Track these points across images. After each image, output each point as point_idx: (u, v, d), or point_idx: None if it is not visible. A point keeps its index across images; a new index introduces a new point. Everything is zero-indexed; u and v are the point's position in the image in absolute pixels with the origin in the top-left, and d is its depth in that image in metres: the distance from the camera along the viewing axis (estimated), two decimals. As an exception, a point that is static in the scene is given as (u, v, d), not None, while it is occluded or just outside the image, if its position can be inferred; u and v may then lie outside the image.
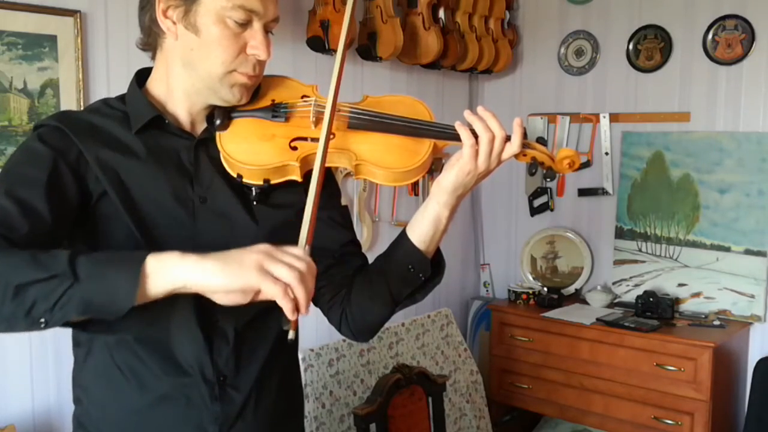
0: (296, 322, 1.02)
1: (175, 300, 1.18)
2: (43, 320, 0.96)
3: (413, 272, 1.25)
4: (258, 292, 0.99)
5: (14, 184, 1.09)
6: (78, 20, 2.25)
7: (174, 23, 1.18)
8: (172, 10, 1.17)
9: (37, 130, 1.17)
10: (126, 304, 0.96)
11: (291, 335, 1.04)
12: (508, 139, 1.19)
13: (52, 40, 2.21)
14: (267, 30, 1.21)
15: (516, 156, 1.20)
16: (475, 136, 1.18)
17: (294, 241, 1.32)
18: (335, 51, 2.87)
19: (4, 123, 2.14)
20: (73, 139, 1.15)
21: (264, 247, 1.01)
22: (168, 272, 0.97)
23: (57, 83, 2.23)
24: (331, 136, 1.20)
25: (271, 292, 0.98)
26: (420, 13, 3.13)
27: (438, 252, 1.28)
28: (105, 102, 1.26)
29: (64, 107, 2.24)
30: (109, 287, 0.96)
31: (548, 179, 3.70)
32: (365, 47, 3.05)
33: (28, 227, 1.05)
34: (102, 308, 0.96)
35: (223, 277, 0.97)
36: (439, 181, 1.21)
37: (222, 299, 1.00)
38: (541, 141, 1.23)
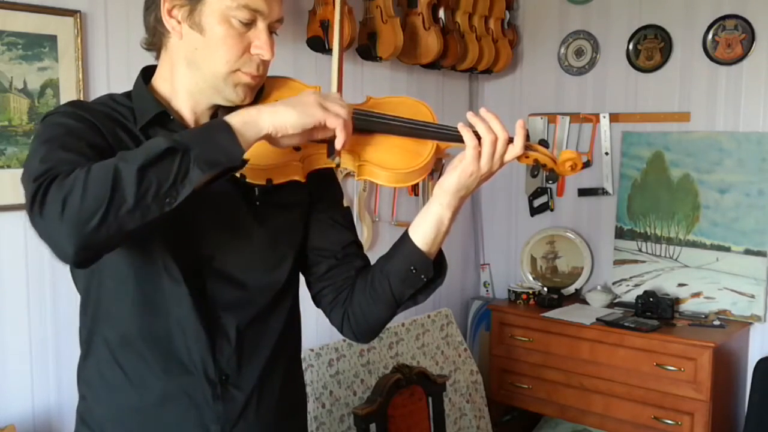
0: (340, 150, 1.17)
1: (178, 299, 1.19)
2: (169, 197, 1.00)
3: (415, 273, 1.25)
4: (321, 129, 1.13)
5: (67, 139, 1.09)
6: (78, 20, 2.25)
7: (179, 22, 1.18)
8: (177, 9, 1.18)
9: (50, 117, 1.16)
10: (239, 151, 1.05)
11: (338, 160, 1.20)
12: (510, 141, 1.19)
13: (52, 40, 2.21)
14: (271, 30, 1.22)
15: (518, 158, 1.21)
16: (478, 137, 1.18)
17: (294, 244, 1.33)
18: (333, 50, 2.88)
19: (4, 123, 2.14)
20: (91, 119, 1.15)
21: (312, 92, 1.15)
22: (251, 124, 1.07)
23: (57, 83, 2.23)
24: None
25: (334, 124, 1.12)
26: (420, 13, 3.13)
27: (440, 253, 1.29)
28: (111, 97, 1.26)
29: (64, 107, 2.24)
30: (216, 145, 1.04)
31: (550, 181, 3.71)
32: (365, 47, 3.05)
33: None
34: (220, 161, 1.03)
35: (298, 116, 1.10)
36: (442, 183, 1.21)
37: (288, 141, 1.12)
38: (543, 143, 1.24)
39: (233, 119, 1.06)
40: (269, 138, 1.10)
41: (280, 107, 1.10)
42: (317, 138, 1.15)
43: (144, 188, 0.97)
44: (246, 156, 1.20)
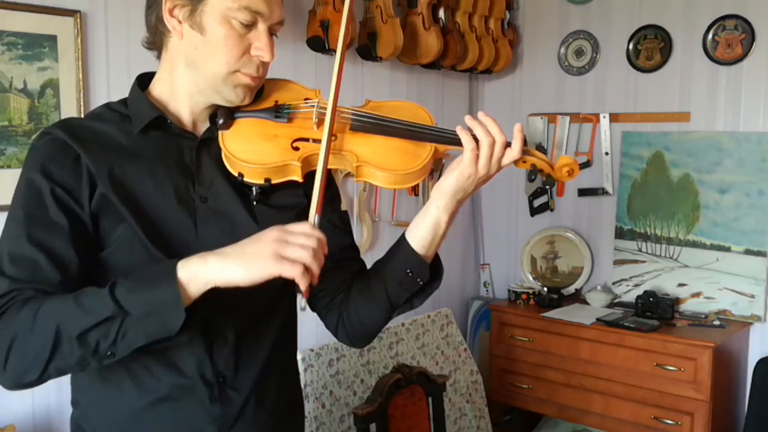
0: (308, 290, 1.09)
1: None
2: (110, 353, 1.06)
3: (412, 277, 1.25)
4: (277, 276, 1.06)
5: (35, 229, 1.12)
6: (78, 20, 2.25)
7: (180, 22, 1.19)
8: (178, 9, 1.18)
9: (44, 141, 1.18)
10: (178, 321, 1.04)
11: (303, 303, 1.11)
12: (508, 144, 1.20)
13: (52, 40, 2.21)
14: (272, 32, 1.22)
15: (515, 162, 1.21)
16: (476, 140, 1.18)
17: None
18: (335, 51, 2.88)
19: (4, 123, 2.14)
20: (74, 149, 1.16)
21: (276, 232, 1.07)
22: (198, 278, 1.05)
23: (57, 83, 2.23)
24: (333, 138, 1.21)
25: (289, 275, 1.05)
26: (420, 13, 3.13)
27: (436, 257, 1.29)
28: (107, 106, 1.27)
29: (64, 107, 2.24)
30: (157, 310, 1.04)
31: (547, 186, 3.71)
32: (365, 47, 3.05)
33: (60, 277, 1.11)
34: (159, 332, 1.05)
35: (246, 271, 1.04)
36: (440, 185, 1.21)
37: (245, 285, 1.07)
38: (540, 149, 1.25)
39: (182, 271, 1.04)
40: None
41: (231, 260, 1.05)
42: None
43: (83, 349, 1.05)
44: (246, 155, 1.21)
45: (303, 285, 1.06)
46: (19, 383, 1.09)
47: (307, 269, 1.05)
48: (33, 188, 1.14)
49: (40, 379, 1.08)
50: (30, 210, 1.14)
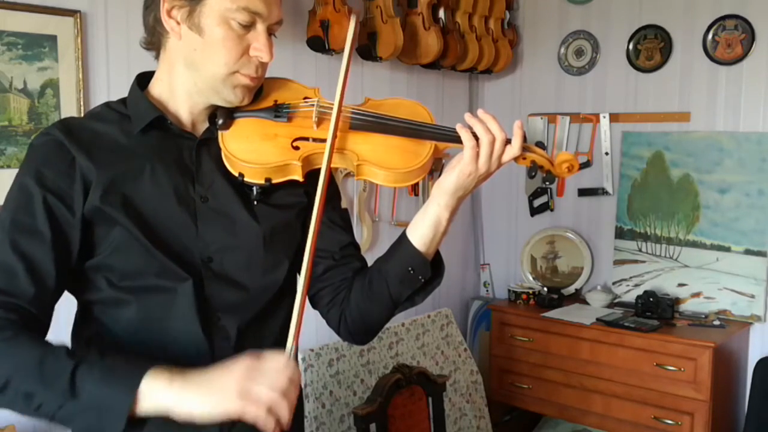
0: None
1: (176, 301, 1.19)
2: (50, 416, 1.06)
3: (413, 274, 1.25)
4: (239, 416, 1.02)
5: (19, 236, 1.12)
6: (78, 20, 2.25)
7: (178, 23, 1.18)
8: (176, 10, 1.18)
9: (41, 141, 1.17)
10: (115, 428, 1.02)
11: None
12: (508, 141, 1.20)
13: (52, 40, 2.21)
14: (270, 32, 1.22)
15: (516, 159, 1.21)
16: (476, 138, 1.18)
17: (292, 244, 1.33)
18: (335, 51, 2.89)
19: (4, 123, 2.14)
20: (71, 151, 1.16)
21: (245, 366, 1.03)
22: (156, 399, 1.02)
23: (57, 83, 2.23)
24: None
25: (251, 417, 1.00)
26: (420, 13, 3.13)
27: (437, 254, 1.29)
28: (107, 105, 1.26)
29: (64, 107, 2.24)
30: (102, 409, 1.02)
31: (547, 183, 3.69)
32: (365, 47, 3.05)
33: (35, 290, 1.11)
34: (94, 429, 1.04)
35: (206, 407, 1.01)
36: (440, 183, 1.21)
37: (202, 422, 1.03)
38: (540, 145, 1.25)
39: (145, 384, 1.02)
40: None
41: (192, 393, 1.02)
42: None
43: (25, 404, 1.05)
44: (246, 155, 1.21)
45: (267, 429, 1.00)
46: None
47: (271, 412, 1.00)
48: (24, 193, 1.14)
49: None
50: (18, 216, 1.13)
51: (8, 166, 2.15)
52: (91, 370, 1.04)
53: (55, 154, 1.16)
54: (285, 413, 1.02)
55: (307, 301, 1.40)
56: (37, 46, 2.18)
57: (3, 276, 1.10)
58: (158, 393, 1.02)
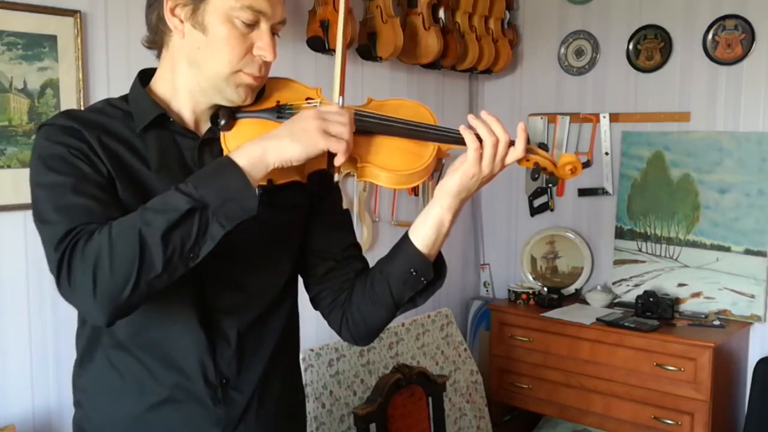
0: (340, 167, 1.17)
1: (177, 303, 1.19)
2: (192, 254, 1.06)
3: (415, 275, 1.25)
4: (325, 152, 1.13)
5: (76, 184, 1.11)
6: (78, 20, 2.25)
7: (181, 21, 1.18)
8: (180, 8, 1.17)
9: (44, 129, 1.17)
10: (254, 201, 1.08)
11: (337, 177, 1.19)
12: (512, 143, 1.19)
13: (52, 40, 2.21)
14: (274, 32, 1.21)
15: (519, 161, 1.21)
16: (480, 140, 1.18)
17: (293, 246, 1.33)
18: (335, 51, 2.88)
19: (4, 123, 2.13)
20: (84, 134, 1.15)
21: (313, 112, 1.15)
22: (262, 162, 1.10)
23: (57, 83, 2.23)
24: None
25: (337, 148, 1.13)
26: (420, 13, 3.12)
27: (439, 255, 1.28)
28: (108, 102, 1.25)
29: (64, 107, 2.23)
30: (233, 197, 1.07)
31: (551, 185, 3.71)
32: (365, 47, 3.04)
33: (113, 215, 1.09)
34: (237, 215, 1.08)
35: (303, 149, 1.11)
36: (443, 185, 1.21)
37: (294, 164, 1.13)
38: (543, 146, 1.25)
39: (241, 159, 1.09)
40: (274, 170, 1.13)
41: (284, 141, 1.11)
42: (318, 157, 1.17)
43: (170, 252, 1.04)
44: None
45: (343, 158, 1.14)
46: (114, 309, 1.04)
47: (347, 144, 1.13)
48: (53, 158, 1.13)
49: (132, 299, 1.04)
50: (61, 171, 1.12)
51: (8, 166, 2.15)
52: (192, 182, 1.07)
53: (67, 132, 1.15)
54: (352, 147, 1.16)
55: (308, 301, 1.40)
56: (37, 46, 2.18)
57: (79, 215, 1.08)
58: (258, 157, 1.10)
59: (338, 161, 1.14)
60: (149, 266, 1.03)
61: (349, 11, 2.85)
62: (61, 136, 1.14)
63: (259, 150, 1.10)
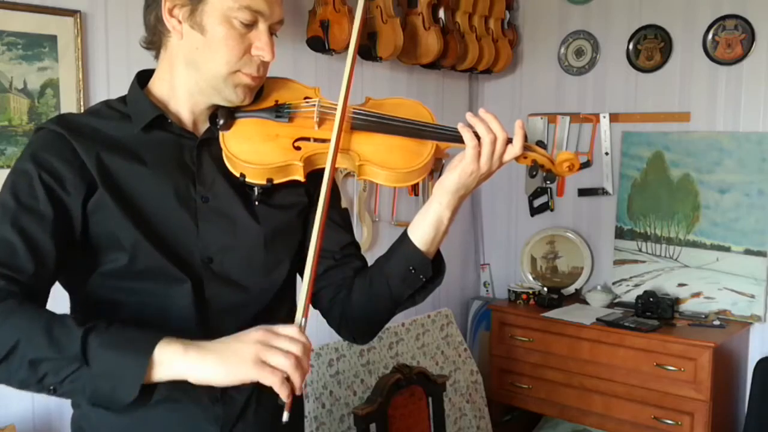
0: (291, 402, 1.03)
1: (176, 301, 1.19)
2: (52, 389, 1.02)
3: (414, 273, 1.25)
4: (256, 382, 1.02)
5: (20, 215, 1.10)
6: (78, 20, 2.25)
7: (179, 22, 1.18)
8: (178, 9, 1.17)
9: (39, 134, 1.17)
10: (128, 396, 1.00)
11: (285, 416, 1.04)
12: (509, 141, 1.20)
13: (52, 40, 2.21)
14: (272, 32, 1.22)
15: (517, 158, 1.21)
16: (478, 138, 1.18)
17: (292, 245, 1.33)
18: (335, 51, 2.89)
19: (4, 123, 2.14)
20: (72, 143, 1.15)
21: (260, 333, 1.03)
22: (171, 367, 1.01)
23: (57, 83, 2.23)
24: None
25: (268, 382, 1.01)
26: (420, 13, 3.13)
27: (438, 253, 1.29)
28: (106, 103, 1.26)
29: (64, 107, 2.24)
30: (115, 376, 1.00)
31: (548, 182, 3.70)
32: (365, 47, 3.04)
33: (34, 267, 1.09)
34: (104, 398, 1.01)
35: (222, 373, 1.01)
36: (442, 182, 1.21)
37: (212, 384, 1.03)
38: (541, 144, 1.25)
39: (158, 352, 1.00)
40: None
41: (209, 359, 1.01)
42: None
43: (30, 374, 1.01)
44: (248, 155, 1.21)
45: (283, 394, 1.01)
46: None
47: (288, 378, 1.01)
48: (23, 176, 1.13)
49: None
50: (19, 196, 1.12)
51: (8, 166, 2.15)
52: (102, 337, 1.01)
53: (55, 143, 1.15)
54: (298, 382, 1.03)
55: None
56: (37, 46, 2.18)
57: (4, 252, 1.08)
58: (173, 360, 1.01)
59: (281, 394, 1.01)
60: (5, 370, 1.02)
61: (348, 11, 2.85)
62: (45, 151, 1.14)
63: (180, 356, 1.01)
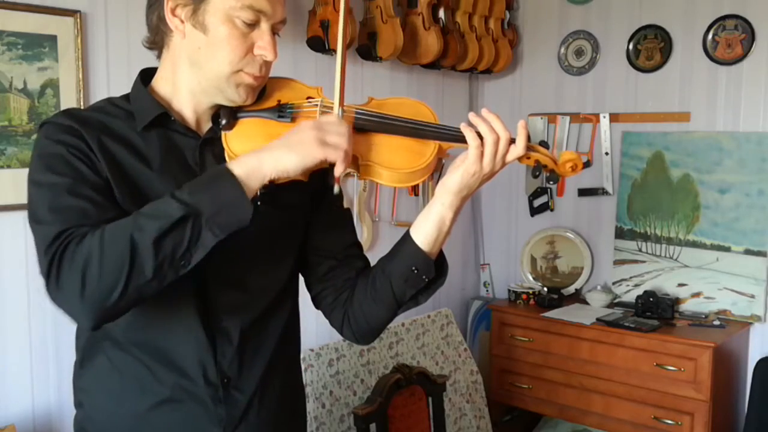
0: (339, 178, 1.16)
1: (178, 302, 1.19)
2: (183, 261, 1.06)
3: (417, 274, 1.25)
4: (322, 162, 1.12)
5: (73, 185, 1.11)
6: (78, 20, 2.25)
7: (182, 22, 1.18)
8: (180, 8, 1.17)
9: (45, 128, 1.17)
10: (248, 211, 1.08)
11: (336, 189, 1.17)
12: (512, 141, 1.20)
13: (52, 40, 2.20)
14: (274, 31, 1.22)
15: (520, 159, 1.21)
16: (481, 138, 1.18)
17: (294, 245, 1.33)
18: (335, 51, 2.88)
19: (4, 123, 2.13)
20: (82, 132, 1.15)
21: (311, 123, 1.14)
22: (258, 173, 1.09)
23: (57, 83, 2.22)
24: None
25: (334, 158, 1.12)
26: (420, 13, 3.12)
27: (441, 253, 1.28)
28: (109, 101, 1.26)
29: (64, 107, 2.23)
30: (227, 206, 1.06)
31: (551, 182, 3.70)
32: (365, 47, 3.04)
33: (107, 217, 1.09)
34: (232, 224, 1.07)
35: (297, 159, 1.10)
36: (444, 182, 1.21)
37: (291, 175, 1.12)
38: (544, 144, 1.25)
39: (237, 169, 1.08)
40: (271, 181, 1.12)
41: (281, 151, 1.10)
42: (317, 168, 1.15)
43: (160, 259, 1.04)
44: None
45: (342, 168, 1.13)
46: (100, 313, 1.05)
47: (347, 153, 1.12)
48: (54, 157, 1.13)
49: (120, 303, 1.04)
50: (61, 172, 1.12)
51: (8, 166, 2.14)
52: (188, 190, 1.06)
53: (66, 131, 1.15)
54: (351, 156, 1.15)
55: (310, 300, 1.40)
56: (37, 46, 2.18)
57: (77, 216, 1.09)
58: (254, 167, 1.09)
59: (337, 171, 1.13)
60: (139, 272, 1.03)
61: (349, 11, 2.85)
62: (61, 135, 1.14)
63: (255, 161, 1.09)
